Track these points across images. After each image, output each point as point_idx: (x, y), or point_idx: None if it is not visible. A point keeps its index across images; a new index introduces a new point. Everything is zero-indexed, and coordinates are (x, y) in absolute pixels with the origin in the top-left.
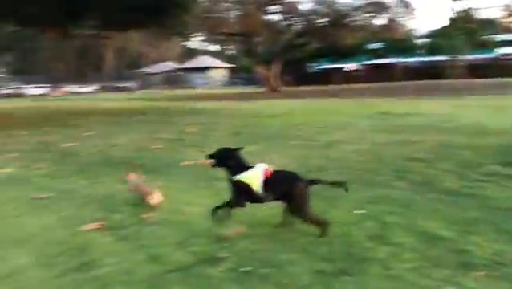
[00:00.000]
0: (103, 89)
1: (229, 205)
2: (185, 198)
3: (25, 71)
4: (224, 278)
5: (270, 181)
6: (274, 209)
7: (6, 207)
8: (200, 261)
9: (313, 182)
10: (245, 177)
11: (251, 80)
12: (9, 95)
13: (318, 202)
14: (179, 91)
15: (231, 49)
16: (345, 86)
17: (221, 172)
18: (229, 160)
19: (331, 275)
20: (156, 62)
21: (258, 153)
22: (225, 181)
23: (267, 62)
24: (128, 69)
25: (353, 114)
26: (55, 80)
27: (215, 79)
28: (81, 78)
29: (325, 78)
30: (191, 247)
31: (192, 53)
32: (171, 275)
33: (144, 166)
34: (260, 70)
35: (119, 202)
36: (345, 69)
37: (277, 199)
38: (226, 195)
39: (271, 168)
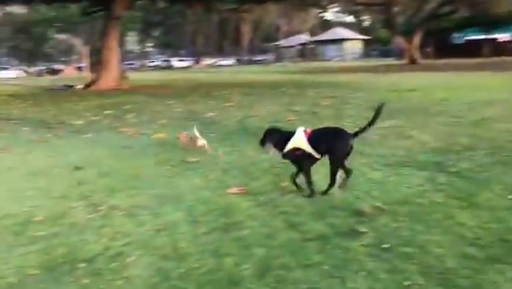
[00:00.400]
0: (240, 62)
1: (300, 172)
2: (321, 170)
3: (171, 45)
4: (364, 252)
5: (312, 139)
6: (418, 187)
7: (161, 168)
8: (338, 233)
9: (355, 135)
10: (292, 144)
11: (387, 52)
12: (157, 68)
13: (465, 184)
14: (313, 64)
15: (367, 20)
16: (496, 59)
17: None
18: (273, 138)
19: (482, 262)
20: (290, 35)
21: (396, 129)
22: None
23: (407, 32)
24: (264, 42)
25: (505, 90)
26: (198, 54)
27: (349, 52)
28: (220, 51)
29: (471, 50)
30: (328, 219)
31: (326, 25)
32: (310, 244)
33: None
34: (399, 41)
35: (259, 170)
36: (498, 40)
37: (323, 153)
38: (364, 169)
39: (309, 129)
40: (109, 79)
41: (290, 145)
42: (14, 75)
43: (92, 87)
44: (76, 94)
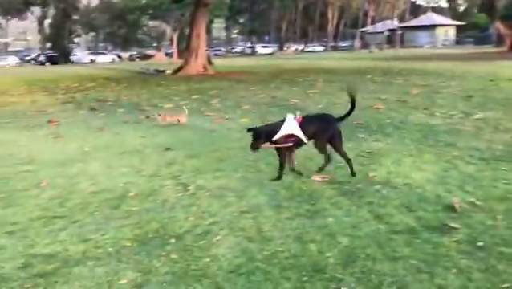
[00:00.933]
0: (326, 48)
1: (282, 165)
2: (409, 161)
3: (256, 32)
4: (456, 249)
5: (303, 125)
6: None
7: (245, 152)
8: (428, 227)
9: (340, 119)
10: (285, 130)
11: (483, 39)
12: (241, 54)
13: None
14: (402, 51)
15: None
16: None
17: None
18: (264, 134)
19: None
20: (377, 20)
21: (493, 121)
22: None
23: (509, 17)
24: (350, 28)
25: None
26: (282, 40)
27: (441, 38)
28: (305, 37)
29: None
30: (417, 212)
31: (416, 10)
32: (397, 237)
33: (367, 125)
34: (499, 27)
35: (338, 159)
36: None
37: (311, 137)
38: (457, 162)
39: (299, 116)
40: (196, 64)
41: (282, 132)
42: (110, 60)
43: (180, 73)
44: (165, 78)
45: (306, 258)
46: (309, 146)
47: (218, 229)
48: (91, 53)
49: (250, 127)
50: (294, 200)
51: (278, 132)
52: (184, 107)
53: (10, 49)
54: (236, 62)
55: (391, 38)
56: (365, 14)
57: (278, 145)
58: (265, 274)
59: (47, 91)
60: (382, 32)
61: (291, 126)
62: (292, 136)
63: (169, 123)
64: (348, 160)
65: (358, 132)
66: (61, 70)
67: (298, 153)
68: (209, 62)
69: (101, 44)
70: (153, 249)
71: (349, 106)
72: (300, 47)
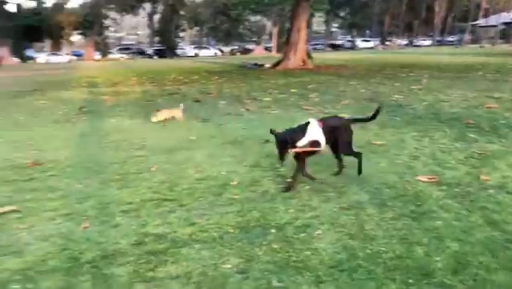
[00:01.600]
0: (431, 43)
1: (300, 172)
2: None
3: (357, 25)
4: None
5: (324, 130)
6: None
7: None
8: None
9: (354, 121)
10: (310, 136)
11: None
12: (341, 48)
13: None
14: None
15: None
16: None
17: None
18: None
19: None
20: (491, 13)
21: None
22: None
23: None
24: (459, 22)
25: None
26: (384, 34)
27: None
28: (408, 31)
29: None
30: None
31: None
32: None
33: (478, 125)
34: None
35: (454, 159)
36: None
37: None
38: None
39: (318, 120)
40: (295, 58)
41: (308, 137)
42: (212, 54)
43: (279, 67)
44: (265, 72)
45: (411, 261)
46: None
47: (319, 223)
48: (195, 47)
49: (274, 130)
50: (399, 200)
51: (302, 137)
52: (181, 104)
53: (122, 43)
54: (335, 56)
55: (506, 33)
56: (477, 6)
57: (308, 149)
58: (368, 273)
59: (155, 83)
60: (496, 26)
61: (317, 131)
62: (316, 142)
63: (165, 119)
64: (342, 166)
65: (468, 131)
66: (167, 63)
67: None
68: (309, 56)
69: (204, 38)
70: (255, 237)
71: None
72: (404, 42)
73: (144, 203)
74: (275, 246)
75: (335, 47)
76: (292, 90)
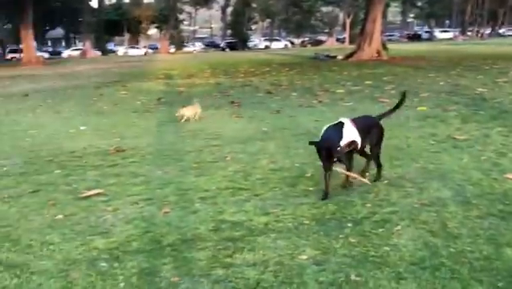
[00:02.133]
0: None
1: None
2: None
3: (435, 15)
4: None
5: (358, 128)
6: None
7: (425, 142)
8: None
9: (380, 117)
10: (348, 136)
11: None
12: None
13: None
14: None
15: None
16: None
17: None
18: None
19: None
20: None
21: None
22: None
23: None
24: None
25: None
26: (465, 24)
27: None
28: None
29: None
30: None
31: None
32: None
33: None
34: None
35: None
36: None
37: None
38: None
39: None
40: (370, 50)
41: (346, 138)
42: (283, 46)
43: (352, 58)
44: (337, 64)
45: (501, 263)
46: None
47: (398, 219)
48: (266, 39)
49: (312, 140)
50: (485, 198)
51: (340, 140)
52: (195, 100)
53: (196, 36)
54: (412, 47)
55: None
56: None
57: (348, 174)
58: (452, 273)
59: (228, 75)
60: None
61: (352, 131)
62: (354, 142)
63: (187, 117)
64: (379, 165)
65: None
66: (239, 55)
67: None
68: (384, 47)
69: (275, 30)
70: (331, 230)
71: None
72: (487, 31)
73: (220, 191)
74: (352, 240)
75: (412, 38)
76: (366, 82)
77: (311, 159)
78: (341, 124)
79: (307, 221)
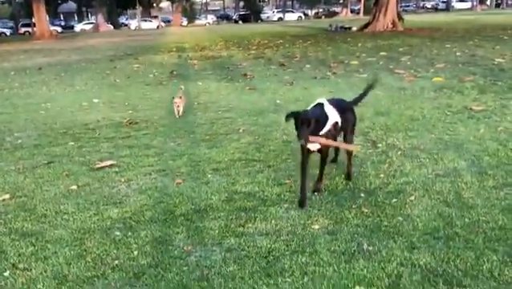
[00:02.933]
0: None
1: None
2: None
3: None
4: None
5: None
6: None
7: (440, 112)
8: None
9: (353, 103)
10: (332, 118)
11: None
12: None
13: None
14: None
15: None
16: None
17: None
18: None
19: None
20: None
21: None
22: None
23: None
24: None
25: None
26: None
27: None
28: None
29: None
30: None
31: None
32: None
33: None
34: None
35: None
36: None
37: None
38: None
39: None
40: (385, 20)
41: (331, 121)
42: (296, 18)
43: (367, 29)
44: (352, 35)
45: None
46: None
47: (412, 189)
48: (279, 11)
49: (292, 111)
50: (501, 168)
51: (325, 119)
52: (182, 87)
53: (208, 8)
54: (428, 18)
55: None
56: None
57: (332, 143)
58: (466, 242)
59: (241, 47)
60: None
61: (333, 112)
62: (337, 123)
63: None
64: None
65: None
66: (252, 27)
67: None
68: (399, 18)
69: (288, 2)
70: (344, 200)
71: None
72: (507, 1)
73: (233, 162)
74: (365, 210)
75: (428, 9)
76: (381, 53)
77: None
78: (321, 105)
79: (316, 193)
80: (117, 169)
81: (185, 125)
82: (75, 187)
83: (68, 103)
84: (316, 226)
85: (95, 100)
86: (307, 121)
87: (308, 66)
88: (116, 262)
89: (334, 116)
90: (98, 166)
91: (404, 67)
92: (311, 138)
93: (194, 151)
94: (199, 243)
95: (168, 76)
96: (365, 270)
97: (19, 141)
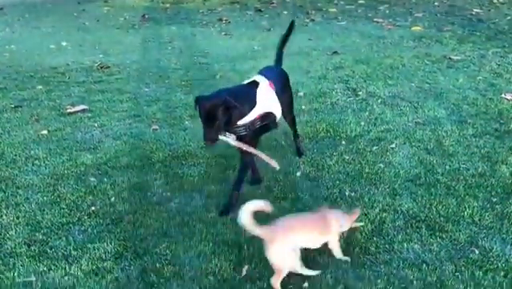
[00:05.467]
0: None
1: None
2: None
3: None
4: None
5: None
6: None
7: (420, 62)
8: None
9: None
10: (262, 107)
11: None
12: None
13: None
14: None
15: None
16: None
17: None
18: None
19: None
20: None
21: None
22: None
23: None
24: None
25: None
26: None
27: None
28: None
29: None
30: None
31: None
32: None
33: None
34: None
35: None
36: None
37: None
38: None
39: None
40: None
41: (258, 109)
42: None
43: None
44: None
45: (495, 179)
46: None
47: (392, 137)
48: None
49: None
50: (480, 117)
51: (251, 107)
52: None
53: None
54: None
55: None
56: None
57: (252, 151)
58: (447, 189)
59: None
60: None
61: (270, 97)
62: (270, 114)
63: None
64: (297, 135)
65: None
66: None
67: None
68: None
69: None
70: (325, 148)
71: None
72: None
73: None
74: (347, 157)
75: None
76: (360, 1)
77: (304, 78)
78: (254, 85)
79: (301, 139)
80: (90, 114)
81: (159, 70)
82: (45, 132)
83: (35, 46)
84: (298, 173)
85: (64, 43)
86: (213, 110)
87: (285, 12)
88: (93, 208)
89: (266, 105)
90: (69, 111)
91: (383, 16)
92: (225, 138)
93: (170, 97)
94: (179, 190)
95: (140, 20)
96: None
97: None
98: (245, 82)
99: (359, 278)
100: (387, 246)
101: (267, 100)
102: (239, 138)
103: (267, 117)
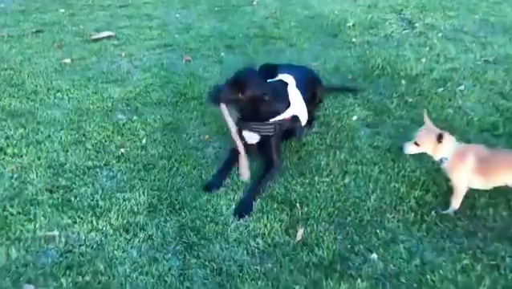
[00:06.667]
0: None
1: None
2: None
3: None
4: None
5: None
6: None
7: None
8: None
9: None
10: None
11: None
12: None
13: None
14: None
15: None
16: None
17: None
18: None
19: None
20: None
21: None
22: None
23: None
24: None
25: None
26: None
27: None
28: None
29: None
30: None
31: None
32: None
33: None
34: None
35: None
36: None
37: None
38: None
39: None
40: None
41: (292, 110)
42: None
43: None
44: None
45: None
46: None
47: (460, 77)
48: None
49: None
50: None
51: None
52: None
53: None
54: None
55: None
56: None
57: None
58: None
59: None
60: None
61: (298, 100)
62: (296, 119)
63: None
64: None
65: None
66: None
67: None
68: None
69: None
70: (382, 88)
71: None
72: None
73: (248, 39)
74: (409, 100)
75: None
76: None
77: (352, 7)
78: (284, 84)
79: (353, 78)
80: (116, 42)
81: None
82: (68, 60)
83: None
84: (354, 118)
85: None
86: (246, 85)
87: None
88: (122, 150)
89: (297, 106)
90: (94, 37)
91: None
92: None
93: (202, 24)
94: (217, 132)
95: None
96: (418, 172)
97: (2, 5)
98: (273, 80)
99: (438, 250)
100: (467, 211)
101: (298, 102)
102: (263, 139)
103: (295, 121)
